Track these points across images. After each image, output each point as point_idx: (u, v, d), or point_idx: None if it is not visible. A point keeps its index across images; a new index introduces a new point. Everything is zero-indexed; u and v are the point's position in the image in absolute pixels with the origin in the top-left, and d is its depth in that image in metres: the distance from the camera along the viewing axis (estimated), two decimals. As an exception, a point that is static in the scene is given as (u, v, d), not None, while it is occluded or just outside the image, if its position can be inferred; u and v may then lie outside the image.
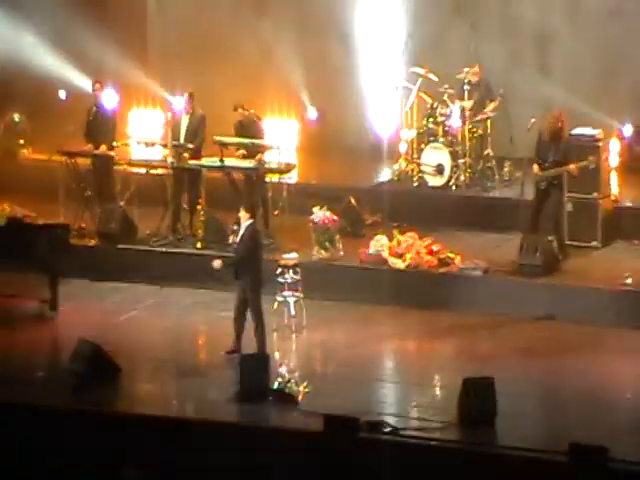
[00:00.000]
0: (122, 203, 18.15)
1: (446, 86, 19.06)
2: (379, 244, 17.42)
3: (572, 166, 17.26)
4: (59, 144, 18.80)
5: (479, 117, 19.15)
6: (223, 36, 21.33)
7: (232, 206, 18.12)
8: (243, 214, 15.80)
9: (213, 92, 20.41)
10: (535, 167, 17.45)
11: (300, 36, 21.21)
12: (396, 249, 17.39)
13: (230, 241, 16.39)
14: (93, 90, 19.06)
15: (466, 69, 19.02)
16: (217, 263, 15.74)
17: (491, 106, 19.08)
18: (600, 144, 17.86)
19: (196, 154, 18.56)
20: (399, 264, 17.27)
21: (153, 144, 19.50)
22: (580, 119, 18.26)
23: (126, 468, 12.15)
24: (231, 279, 15.68)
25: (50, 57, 20.31)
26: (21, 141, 19.46)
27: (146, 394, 14.96)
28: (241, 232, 15.63)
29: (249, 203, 16.90)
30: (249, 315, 15.73)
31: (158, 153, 19.23)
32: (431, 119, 18.90)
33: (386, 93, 20.17)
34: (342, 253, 17.60)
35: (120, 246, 17.59)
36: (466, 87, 18.96)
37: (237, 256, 15.72)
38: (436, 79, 19.05)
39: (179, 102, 19.10)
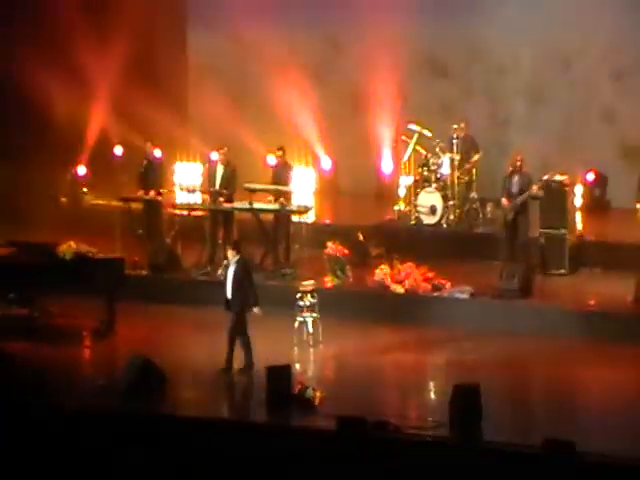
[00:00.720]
0: (168, 240, 18.19)
1: (437, 140, 19.09)
2: (382, 272, 17.45)
3: (534, 187, 17.37)
4: (116, 191, 18.95)
5: (466, 166, 19.16)
6: (252, 99, 21.32)
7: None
8: (230, 252, 15.81)
9: (244, 145, 20.40)
10: (504, 201, 17.59)
11: (318, 99, 21.25)
12: (397, 276, 17.44)
13: (219, 273, 16.23)
14: (144, 146, 19.02)
15: (454, 126, 19.08)
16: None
17: (475, 157, 19.13)
18: (567, 188, 17.92)
19: (229, 199, 18.57)
20: (399, 289, 17.34)
21: (194, 190, 19.58)
22: (551, 167, 18.25)
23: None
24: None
25: (108, 118, 20.02)
26: (84, 189, 19.37)
27: (188, 400, 14.96)
28: (232, 267, 15.60)
29: (235, 242, 16.90)
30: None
31: (198, 198, 19.30)
32: (425, 168, 18.99)
33: (388, 146, 20.14)
34: (351, 280, 17.61)
35: (167, 276, 17.58)
36: (454, 141, 18.97)
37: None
38: (429, 134, 19.06)
39: (215, 155, 19.04)
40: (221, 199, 18.63)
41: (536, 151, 18.98)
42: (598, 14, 20.17)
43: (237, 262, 15.71)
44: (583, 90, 20.22)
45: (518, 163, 17.63)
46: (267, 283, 17.70)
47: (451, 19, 20.62)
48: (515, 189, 17.51)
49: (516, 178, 17.53)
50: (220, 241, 18.59)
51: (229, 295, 15.45)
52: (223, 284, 15.93)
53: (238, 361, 15.78)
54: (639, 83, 20.00)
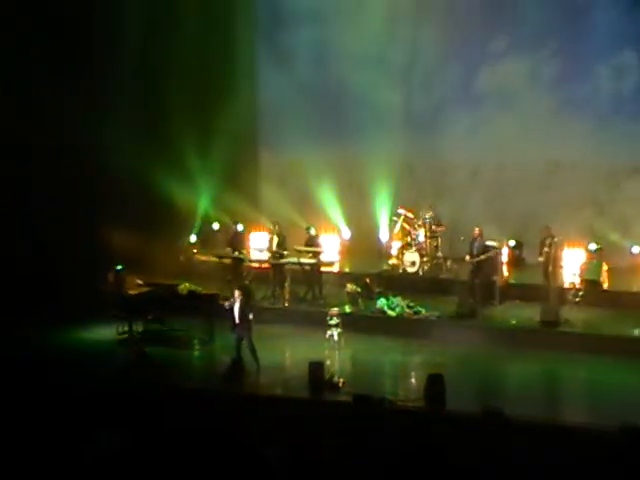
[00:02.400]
0: (247, 282, 17.76)
1: (416, 219, 18.95)
2: (382, 303, 17.46)
3: (482, 256, 17.34)
4: (214, 252, 19.08)
5: (436, 233, 19.02)
6: (299, 195, 21.15)
7: (303, 283, 18.47)
8: (237, 292, 15.43)
9: (293, 222, 20.22)
10: (467, 257, 17.48)
11: (342, 194, 21.02)
12: (391, 305, 17.38)
13: (227, 306, 15.54)
14: (232, 223, 19.24)
15: (427, 211, 18.98)
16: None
17: (440, 229, 18.92)
18: (498, 250, 17.86)
19: (282, 256, 18.50)
20: (392, 314, 17.34)
21: (262, 250, 19.40)
22: (488, 235, 18.07)
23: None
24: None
25: (209, 205, 20.32)
26: (194, 250, 19.35)
27: (261, 384, 15.08)
28: (237, 304, 15.22)
29: (240, 286, 16.31)
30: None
31: (264, 256, 19.07)
32: (408, 237, 18.86)
33: (386, 223, 19.94)
34: (362, 308, 17.66)
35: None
36: (426, 220, 18.84)
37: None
38: (411, 216, 18.89)
39: (275, 228, 18.90)
40: (278, 256, 18.55)
41: (478, 225, 18.39)
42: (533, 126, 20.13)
43: (241, 299, 15.33)
44: (509, 194, 20.13)
45: (477, 233, 17.54)
46: (308, 309, 17.78)
47: (422, 137, 20.68)
48: (475, 250, 17.43)
49: (476, 243, 17.43)
50: (279, 283, 18.51)
51: (237, 321, 15.24)
52: (231, 315, 15.41)
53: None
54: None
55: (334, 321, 16.27)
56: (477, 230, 17.74)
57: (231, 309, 15.45)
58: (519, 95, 20.13)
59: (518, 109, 20.04)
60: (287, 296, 18.17)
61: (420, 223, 18.93)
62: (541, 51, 19.71)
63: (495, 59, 20.16)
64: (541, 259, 17.05)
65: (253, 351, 15.26)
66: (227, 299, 15.90)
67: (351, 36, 20.86)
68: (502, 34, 19.89)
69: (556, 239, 17.07)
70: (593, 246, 17.70)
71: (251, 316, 15.42)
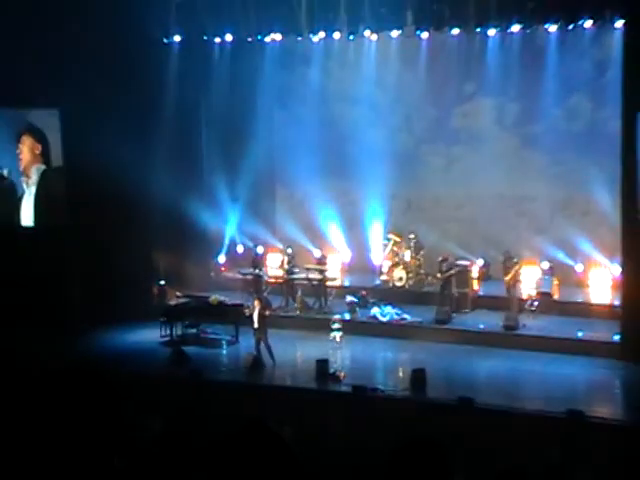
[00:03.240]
0: (265, 294, 17.60)
1: (403, 243, 18.72)
2: (375, 310, 17.36)
3: (447, 274, 17.26)
4: (238, 270, 19.01)
5: (417, 257, 18.71)
6: (308, 224, 20.60)
7: (312, 295, 18.17)
8: (257, 302, 15.53)
9: (301, 245, 19.90)
10: (438, 275, 17.34)
11: (340, 215, 20.52)
12: (382, 313, 17.27)
13: (247, 314, 15.72)
14: (252, 247, 19.13)
15: (410, 235, 18.74)
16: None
17: (422, 252, 18.70)
18: (461, 268, 17.79)
19: (293, 273, 18.46)
20: (384, 320, 17.20)
21: (277, 268, 19.26)
22: (461, 255, 18.21)
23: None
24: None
25: (234, 231, 20.03)
26: (223, 269, 19.05)
27: (276, 375, 15.04)
28: (256, 312, 15.30)
29: (260, 296, 16.51)
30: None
31: (279, 272, 18.83)
32: (396, 257, 18.65)
33: (378, 246, 19.55)
34: (359, 315, 17.45)
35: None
36: (411, 243, 18.62)
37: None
38: (399, 240, 18.69)
39: (288, 251, 18.78)
40: (289, 273, 18.47)
41: (448, 250, 18.43)
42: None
43: (259, 308, 15.38)
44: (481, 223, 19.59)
45: (445, 256, 17.47)
46: (315, 316, 17.59)
47: (405, 171, 20.11)
48: (444, 269, 17.29)
49: (445, 263, 17.28)
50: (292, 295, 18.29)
51: (256, 326, 15.24)
52: (251, 321, 15.42)
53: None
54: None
55: (336, 326, 16.21)
56: (445, 254, 17.68)
57: (251, 316, 15.47)
58: (486, 134, 19.58)
59: (486, 146, 19.43)
60: (298, 305, 18.03)
61: (406, 246, 18.76)
62: (505, 94, 19.23)
63: (466, 101, 19.66)
64: (505, 277, 16.98)
65: (269, 349, 15.20)
66: (248, 308, 16.01)
67: (346, 79, 20.36)
68: (472, 79, 19.38)
69: (515, 259, 17.07)
70: (546, 264, 17.63)
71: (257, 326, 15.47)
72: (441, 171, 20.01)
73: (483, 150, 19.56)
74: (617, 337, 15.41)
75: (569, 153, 18.68)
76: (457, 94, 19.59)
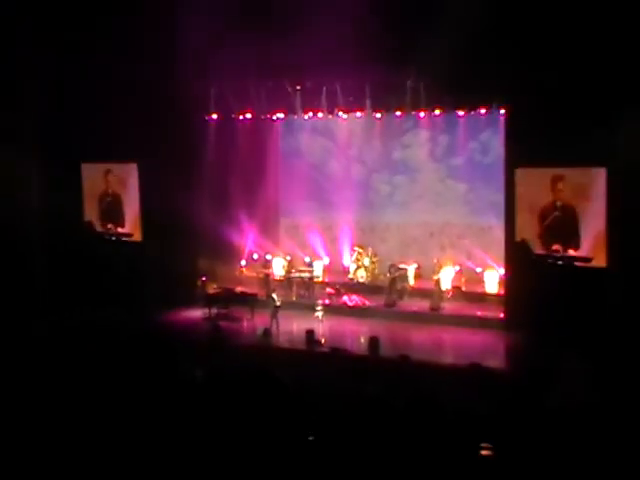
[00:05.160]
0: (273, 288, 17.34)
1: (365, 253, 18.48)
2: (345, 298, 17.28)
3: (393, 274, 17.06)
4: (254, 270, 18.70)
5: (373, 260, 18.40)
6: (300, 236, 20.12)
7: (303, 287, 17.90)
8: (274, 294, 15.58)
9: (297, 254, 19.42)
10: (387, 274, 17.20)
11: (323, 235, 19.89)
12: (350, 299, 17.19)
13: (276, 302, 15.43)
14: (264, 256, 18.70)
15: (369, 248, 18.54)
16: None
17: (376, 259, 18.41)
18: (407, 270, 17.57)
19: (291, 273, 18.11)
20: (351, 304, 17.09)
21: (280, 269, 18.80)
22: (403, 261, 17.80)
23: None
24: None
25: (250, 244, 19.39)
26: (243, 269, 18.56)
27: (279, 340, 14.83)
28: (274, 295, 15.46)
29: (269, 288, 16.37)
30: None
31: (282, 273, 18.46)
32: (359, 262, 18.42)
33: (348, 255, 19.15)
34: (334, 301, 17.24)
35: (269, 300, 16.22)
36: (369, 253, 18.46)
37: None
38: (361, 250, 18.45)
39: (287, 258, 18.57)
40: (288, 273, 18.30)
41: (394, 258, 17.98)
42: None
43: (274, 297, 15.59)
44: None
45: (392, 263, 17.35)
46: (306, 302, 17.21)
47: (361, 197, 19.41)
48: (391, 270, 17.20)
49: (392, 267, 17.19)
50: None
51: (276, 305, 15.33)
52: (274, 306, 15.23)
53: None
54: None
55: (319, 308, 16.23)
56: (391, 262, 17.56)
57: (262, 301, 15.85)
58: (420, 166, 18.40)
59: (419, 177, 18.39)
60: (294, 294, 17.86)
61: (366, 255, 18.58)
62: (434, 130, 18.08)
63: (405, 135, 18.51)
64: (433, 278, 16.92)
65: (276, 324, 15.28)
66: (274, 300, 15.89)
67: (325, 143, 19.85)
68: (409, 118, 17.92)
69: (437, 264, 17.10)
70: (457, 267, 17.57)
71: (279, 303, 15.48)
72: (386, 198, 19.26)
73: (417, 181, 18.72)
74: (502, 315, 15.30)
75: (480, 182, 17.88)
76: (398, 127, 18.05)
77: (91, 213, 18.52)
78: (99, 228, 18.36)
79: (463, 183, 18.36)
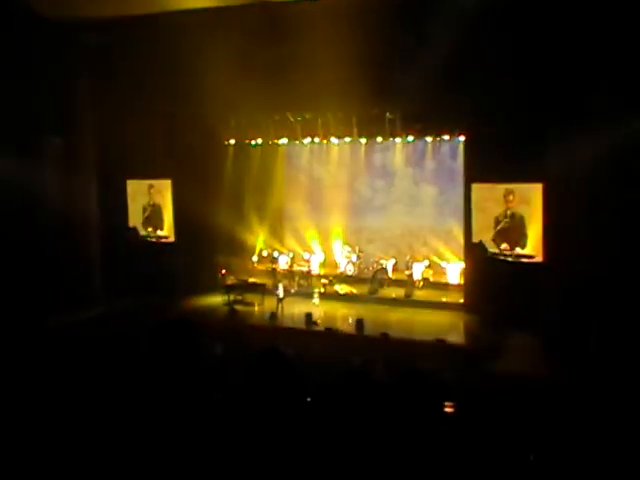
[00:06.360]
0: (279, 278, 17.10)
1: (352, 251, 18.23)
2: (339, 287, 17.18)
3: (375, 268, 17.00)
4: (264, 265, 18.40)
5: (360, 255, 18.10)
6: (300, 237, 19.65)
7: (303, 278, 17.69)
8: (281, 284, 15.32)
9: (298, 251, 18.96)
10: (371, 268, 17.14)
11: (319, 235, 19.52)
12: (341, 288, 17.10)
13: (282, 296, 15.02)
14: (272, 251, 18.41)
15: (357, 247, 18.28)
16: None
17: (362, 255, 18.08)
18: (386, 265, 17.34)
19: (292, 266, 18.08)
20: (341, 292, 16.99)
21: (285, 264, 18.57)
22: (383, 257, 17.52)
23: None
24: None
25: (262, 243, 18.92)
26: (255, 264, 17.94)
27: (284, 321, 14.52)
28: (280, 285, 15.20)
29: (276, 278, 15.86)
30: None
31: (286, 267, 18.26)
32: (348, 258, 18.18)
33: (339, 252, 18.85)
34: (328, 290, 17.07)
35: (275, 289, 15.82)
36: (357, 250, 18.15)
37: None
38: (349, 249, 18.30)
39: (290, 255, 18.34)
40: (291, 267, 18.17)
41: (376, 254, 17.64)
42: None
43: (283, 285, 15.43)
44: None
45: (376, 259, 17.26)
46: (305, 290, 17.09)
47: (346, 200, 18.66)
48: (374, 265, 17.18)
49: (374, 262, 17.14)
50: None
51: (281, 296, 15.12)
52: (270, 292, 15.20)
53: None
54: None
55: (316, 295, 16.15)
56: (374, 259, 17.49)
57: (277, 291, 15.40)
58: (397, 171, 17.97)
59: (397, 182, 17.99)
60: (295, 284, 17.70)
61: (354, 252, 18.38)
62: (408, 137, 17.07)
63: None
64: (407, 272, 16.89)
65: (281, 308, 15.21)
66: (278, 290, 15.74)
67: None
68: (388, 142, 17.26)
69: (409, 260, 17.08)
70: (426, 262, 17.45)
71: (281, 294, 15.35)
72: (368, 203, 18.68)
73: (395, 185, 18.07)
74: (462, 300, 15.42)
75: (451, 184, 17.07)
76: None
77: (135, 220, 18.61)
78: (142, 232, 18.47)
79: (434, 186, 17.81)
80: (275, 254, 18.76)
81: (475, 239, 14.74)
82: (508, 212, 14.38)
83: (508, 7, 10.84)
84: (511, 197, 14.26)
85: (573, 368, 8.40)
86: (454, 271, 16.98)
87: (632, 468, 3.59)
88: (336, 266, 18.94)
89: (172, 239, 17.90)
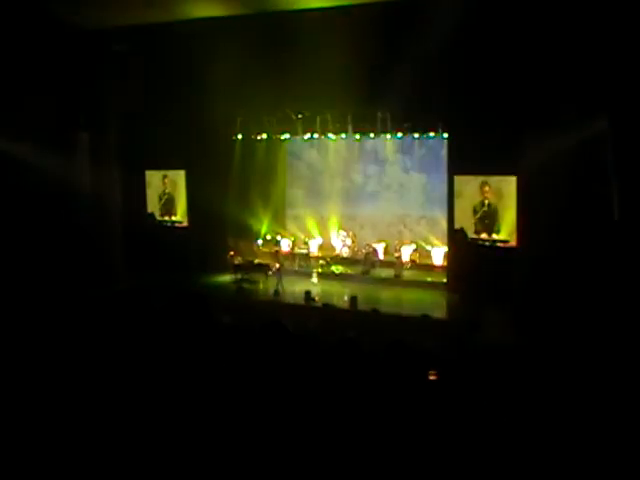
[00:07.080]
0: (281, 259, 16.80)
1: (347, 235, 17.92)
2: (333, 268, 16.98)
3: (367, 250, 16.52)
4: (268, 248, 18.02)
5: (354, 241, 17.86)
6: (303, 225, 19.08)
7: (303, 260, 17.56)
8: (277, 263, 15.13)
9: (298, 235, 18.71)
10: (363, 250, 16.81)
11: (318, 222, 19.03)
12: (337, 269, 16.91)
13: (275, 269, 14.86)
14: (276, 236, 18.14)
15: (350, 232, 17.84)
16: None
17: (356, 239, 17.71)
18: (377, 248, 17.10)
19: (293, 249, 17.88)
20: (337, 272, 16.82)
21: (286, 246, 18.31)
22: (372, 241, 17.13)
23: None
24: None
25: (267, 229, 18.40)
26: (260, 247, 17.63)
27: (285, 298, 14.51)
28: (276, 267, 14.91)
29: (279, 260, 15.26)
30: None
31: (288, 249, 18.02)
32: (344, 242, 17.95)
33: (335, 236, 18.44)
34: (326, 270, 16.87)
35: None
36: (351, 234, 17.83)
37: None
38: (345, 233, 17.93)
39: (291, 239, 18.07)
40: (292, 249, 17.92)
41: (368, 238, 17.23)
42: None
43: (277, 265, 15.12)
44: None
45: (368, 242, 16.92)
46: (305, 270, 17.01)
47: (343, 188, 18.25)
48: (366, 248, 16.85)
49: (366, 246, 16.83)
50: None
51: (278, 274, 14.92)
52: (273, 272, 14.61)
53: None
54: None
55: (315, 275, 16.12)
56: (366, 242, 17.28)
57: (273, 270, 15.43)
58: (387, 160, 17.56)
59: (388, 169, 16.98)
60: (296, 265, 17.65)
61: (349, 236, 18.16)
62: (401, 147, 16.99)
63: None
64: (396, 254, 16.71)
65: (281, 285, 15.08)
66: (276, 266, 15.89)
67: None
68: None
69: (397, 243, 16.90)
70: (413, 246, 17.30)
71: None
72: (361, 188, 18.15)
73: (386, 172, 16.86)
74: (445, 280, 14.80)
75: (436, 175, 15.89)
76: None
77: (152, 206, 18.58)
78: (158, 217, 18.50)
79: (423, 174, 17.23)
80: (278, 238, 18.58)
81: (457, 226, 14.77)
82: (485, 202, 14.40)
83: (488, 17, 10.99)
84: (487, 188, 14.20)
85: (540, 337, 8.54)
86: (438, 254, 16.82)
87: (592, 417, 3.64)
88: (333, 249, 18.74)
89: (186, 224, 17.92)
